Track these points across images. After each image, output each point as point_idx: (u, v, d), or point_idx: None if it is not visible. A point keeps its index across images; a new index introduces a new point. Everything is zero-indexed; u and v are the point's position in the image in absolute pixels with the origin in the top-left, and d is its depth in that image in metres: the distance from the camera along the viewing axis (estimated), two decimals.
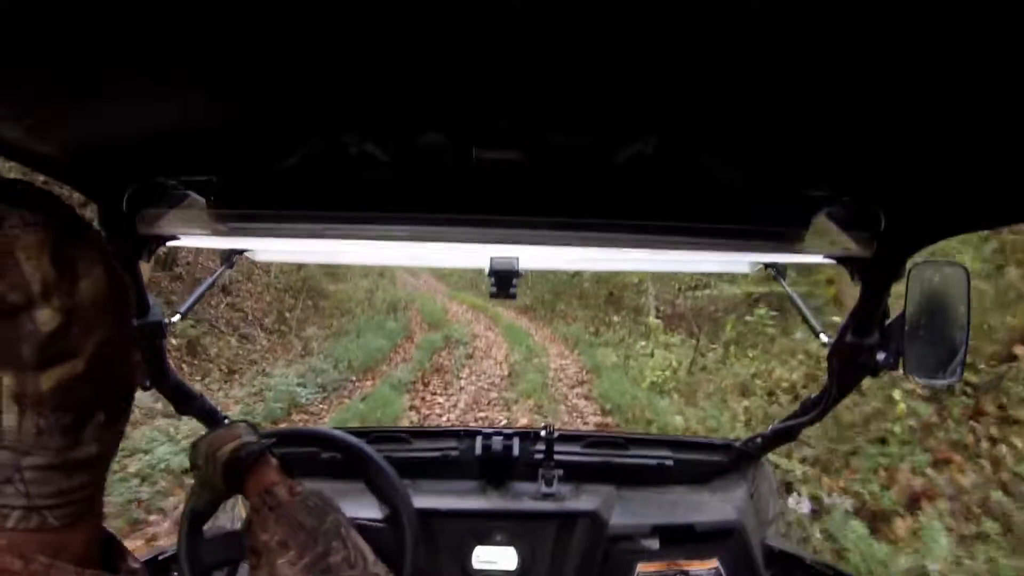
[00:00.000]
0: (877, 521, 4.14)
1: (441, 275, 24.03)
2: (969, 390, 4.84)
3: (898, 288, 1.26)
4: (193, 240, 1.44)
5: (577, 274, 15.69)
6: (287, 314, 11.08)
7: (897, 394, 4.81)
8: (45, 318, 0.49)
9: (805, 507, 4.14)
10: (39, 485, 0.51)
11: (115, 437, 0.57)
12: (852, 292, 1.31)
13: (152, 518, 4.31)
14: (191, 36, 0.60)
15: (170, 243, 1.32)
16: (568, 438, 1.86)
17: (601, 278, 14.84)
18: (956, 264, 1.26)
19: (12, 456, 0.50)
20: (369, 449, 1.42)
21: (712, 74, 0.67)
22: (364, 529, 1.27)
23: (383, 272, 18.65)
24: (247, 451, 1.15)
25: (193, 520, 1.25)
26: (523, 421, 7.01)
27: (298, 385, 7.70)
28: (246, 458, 1.14)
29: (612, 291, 14.64)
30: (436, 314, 16.15)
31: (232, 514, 1.56)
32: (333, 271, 14.64)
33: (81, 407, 0.52)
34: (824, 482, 4.58)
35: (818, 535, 3.92)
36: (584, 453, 1.83)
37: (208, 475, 1.19)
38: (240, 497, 1.50)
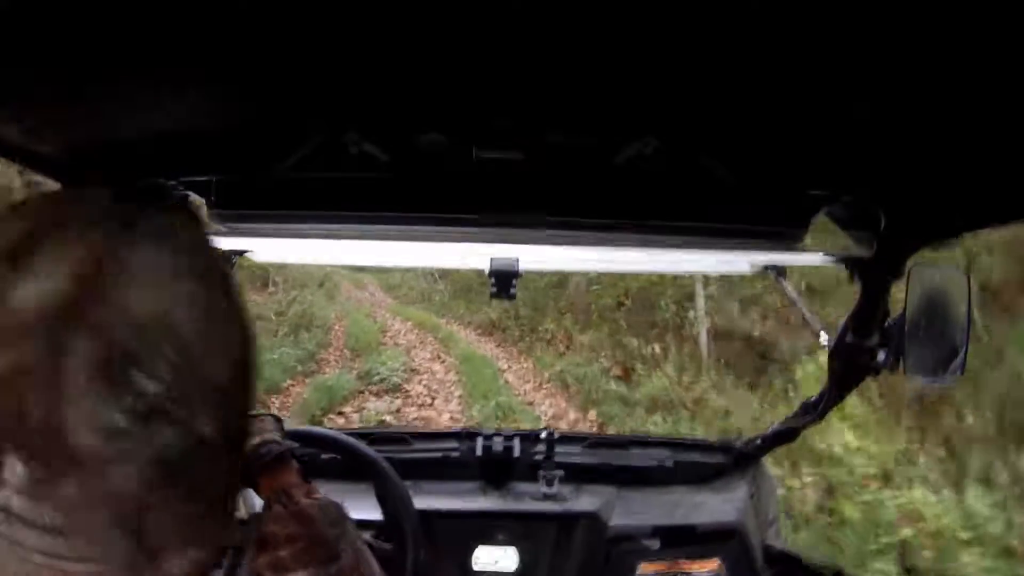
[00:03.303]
0: None
1: (389, 287, 21.20)
2: None
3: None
4: None
5: (561, 281, 11.50)
6: None
7: None
8: None
9: None
10: None
11: (74, 510, 0.42)
12: None
13: None
14: (191, 36, 0.60)
15: None
16: (569, 439, 1.86)
17: (598, 280, 10.35)
18: (956, 265, 1.29)
19: None
20: (369, 451, 1.42)
21: (712, 74, 0.68)
22: (365, 530, 1.26)
23: (323, 282, 16.39)
24: (267, 449, 1.13)
25: None
26: None
27: None
28: (265, 456, 1.12)
29: (622, 300, 9.86)
30: (367, 336, 11.82)
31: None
32: (263, 279, 12.42)
33: None
34: None
35: None
36: (585, 454, 1.83)
37: None
38: (241, 493, 1.47)
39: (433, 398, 7.98)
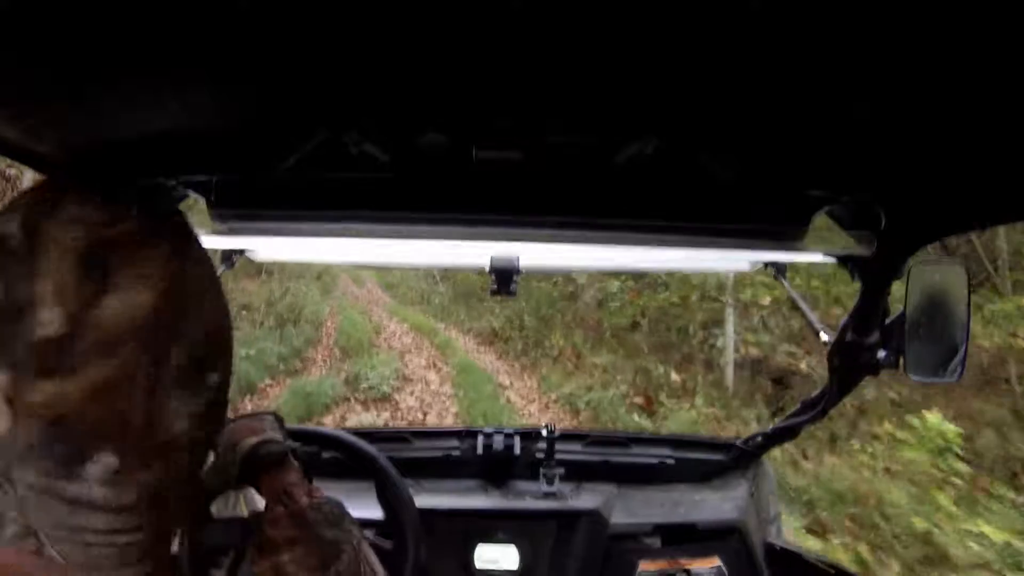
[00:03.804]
0: None
1: (388, 285, 20.65)
2: None
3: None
4: None
5: (572, 294, 10.83)
6: None
7: None
8: (47, 320, 0.45)
9: None
10: (33, 507, 0.48)
11: (150, 489, 0.49)
12: None
13: None
14: (191, 35, 0.60)
15: None
16: (569, 437, 1.87)
17: (613, 297, 9.40)
18: (956, 263, 1.28)
19: (2, 462, 0.47)
20: (371, 449, 1.42)
21: (712, 74, 0.68)
22: (365, 529, 1.27)
23: (320, 275, 15.76)
24: (267, 450, 1.13)
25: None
26: None
27: None
28: (265, 457, 1.12)
29: (637, 319, 9.01)
30: (360, 335, 10.91)
31: (234, 509, 1.53)
32: (258, 267, 11.40)
33: (76, 439, 0.46)
34: None
35: None
36: (585, 452, 1.84)
37: (225, 463, 1.17)
38: (243, 493, 1.48)
39: (425, 413, 7.34)
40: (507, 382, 8.73)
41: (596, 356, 8.79)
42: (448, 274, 16.99)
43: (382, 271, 21.43)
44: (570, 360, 9.12)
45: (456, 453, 1.81)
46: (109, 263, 0.47)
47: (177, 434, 0.49)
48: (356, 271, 21.17)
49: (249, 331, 8.52)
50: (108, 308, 0.46)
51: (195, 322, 0.51)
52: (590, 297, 10.38)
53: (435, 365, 9.69)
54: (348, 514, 1.04)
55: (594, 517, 1.63)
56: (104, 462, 0.46)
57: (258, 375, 7.13)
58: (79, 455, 0.46)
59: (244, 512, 1.46)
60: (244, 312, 9.19)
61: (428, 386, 8.33)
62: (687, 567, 1.60)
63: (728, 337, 7.22)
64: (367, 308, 15.76)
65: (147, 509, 0.50)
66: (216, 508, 1.29)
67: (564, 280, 11.17)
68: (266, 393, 6.97)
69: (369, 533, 1.32)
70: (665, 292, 8.45)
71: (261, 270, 12.05)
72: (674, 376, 7.37)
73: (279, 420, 1.24)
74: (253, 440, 1.15)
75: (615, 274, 9.09)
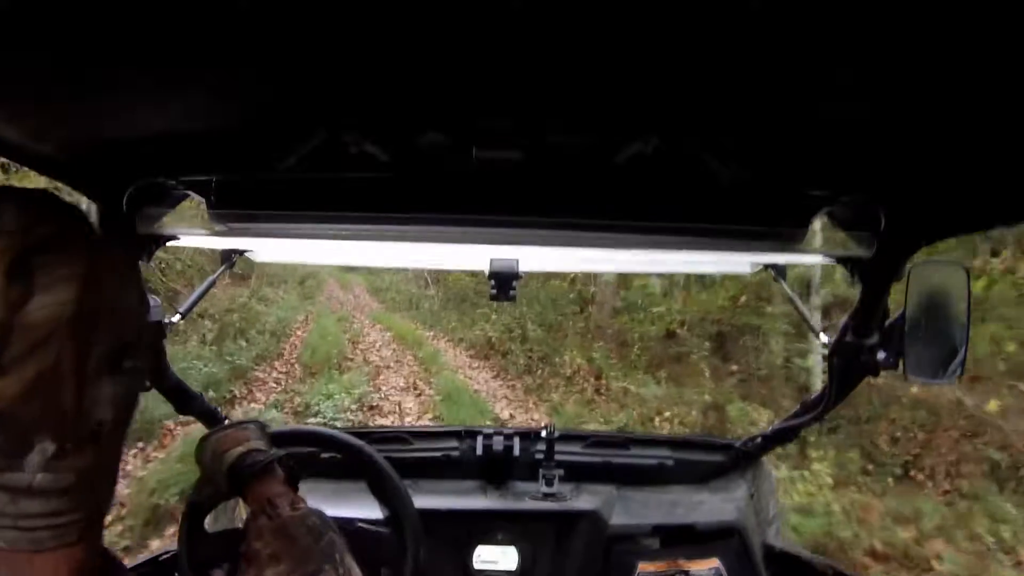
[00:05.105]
0: None
1: (376, 289, 19.82)
2: None
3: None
4: (193, 240, 1.46)
5: (582, 297, 9.20)
6: None
7: None
8: None
9: None
10: None
11: (84, 471, 0.53)
12: None
13: None
14: (191, 36, 0.61)
15: (170, 243, 1.33)
16: (569, 438, 1.86)
17: (637, 304, 7.73)
18: (956, 264, 1.26)
19: None
20: (370, 450, 1.42)
21: (713, 74, 0.68)
22: (365, 531, 1.30)
23: (304, 280, 15.35)
24: (253, 459, 1.14)
25: (193, 513, 1.25)
26: None
27: None
28: (251, 466, 1.13)
29: (673, 328, 7.03)
30: (330, 347, 9.28)
31: (232, 516, 1.54)
32: (228, 272, 10.83)
33: (18, 431, 0.50)
34: None
35: None
36: (585, 453, 1.84)
37: (212, 474, 1.18)
38: (239, 502, 1.48)
39: None
40: (506, 413, 6.75)
41: (629, 380, 6.66)
42: (440, 276, 15.65)
43: (371, 276, 21.03)
44: (587, 382, 7.24)
45: (455, 454, 1.82)
46: (32, 268, 0.49)
47: (106, 416, 0.53)
48: (345, 276, 20.78)
49: (181, 347, 6.53)
50: (35, 309, 0.49)
51: (114, 314, 0.54)
52: (610, 294, 8.58)
53: (415, 387, 7.90)
54: (332, 526, 1.04)
55: (593, 518, 1.63)
56: (43, 450, 0.50)
57: (165, 409, 4.22)
58: (20, 446, 0.50)
59: (241, 521, 1.47)
60: (209, 325, 7.71)
61: (402, 419, 6.58)
62: (686, 568, 1.60)
63: (816, 355, 5.29)
64: (349, 314, 14.42)
65: (82, 490, 0.54)
66: (212, 519, 1.30)
67: (585, 277, 9.10)
68: (164, 439, 4.69)
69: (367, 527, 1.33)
70: (704, 293, 6.54)
71: (228, 274, 11.43)
72: (750, 410, 5.15)
73: (263, 428, 1.25)
74: (238, 450, 1.15)
75: (653, 274, 7.59)
